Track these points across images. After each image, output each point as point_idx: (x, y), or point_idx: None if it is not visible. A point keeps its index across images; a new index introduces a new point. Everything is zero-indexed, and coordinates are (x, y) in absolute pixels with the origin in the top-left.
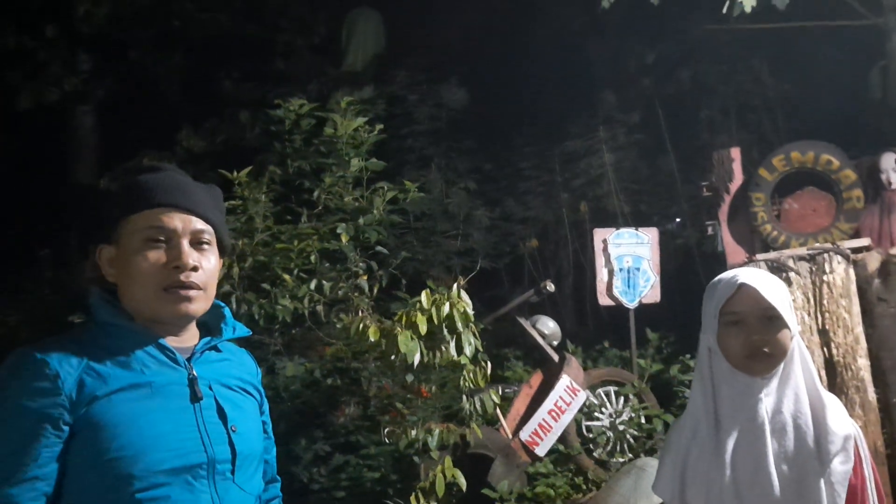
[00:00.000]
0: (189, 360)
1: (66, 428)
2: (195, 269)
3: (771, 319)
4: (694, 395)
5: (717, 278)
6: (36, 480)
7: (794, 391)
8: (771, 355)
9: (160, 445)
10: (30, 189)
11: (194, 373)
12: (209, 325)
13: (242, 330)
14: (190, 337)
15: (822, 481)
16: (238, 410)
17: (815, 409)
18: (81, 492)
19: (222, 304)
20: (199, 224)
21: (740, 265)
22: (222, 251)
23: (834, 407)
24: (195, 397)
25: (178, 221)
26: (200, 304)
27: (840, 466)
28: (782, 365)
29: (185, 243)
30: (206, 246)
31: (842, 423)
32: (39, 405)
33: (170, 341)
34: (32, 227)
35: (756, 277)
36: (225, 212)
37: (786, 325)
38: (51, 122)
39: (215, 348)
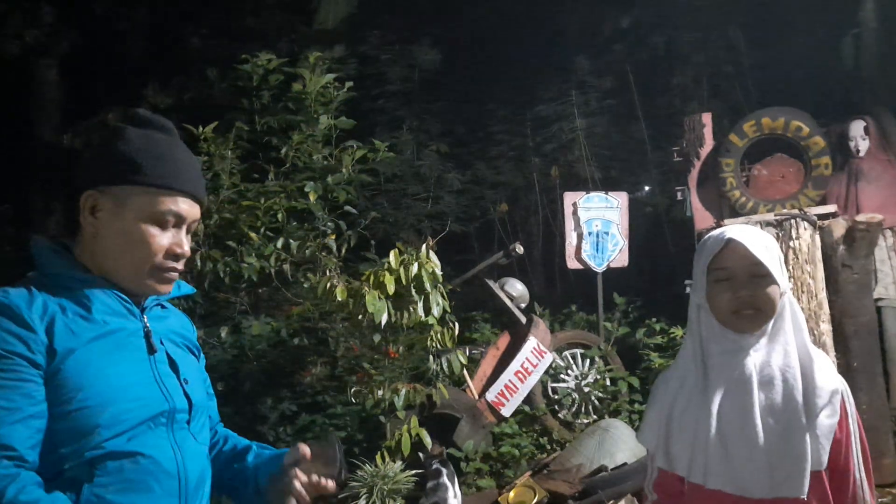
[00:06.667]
0: (142, 313)
1: (42, 371)
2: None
3: (759, 276)
4: (684, 348)
5: (707, 235)
6: (31, 419)
7: (784, 347)
8: (759, 311)
9: (126, 395)
10: None
11: (148, 325)
12: None
13: (187, 288)
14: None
15: (807, 434)
16: (187, 364)
17: (803, 364)
18: (47, 442)
19: None
20: (198, 213)
21: (708, 230)
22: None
23: (822, 362)
24: (151, 349)
25: (190, 212)
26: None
27: (826, 420)
28: (772, 322)
29: (185, 230)
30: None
31: (829, 378)
32: (21, 347)
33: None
34: None
35: (744, 233)
36: None
37: (774, 282)
38: (12, 77)
39: (160, 305)
